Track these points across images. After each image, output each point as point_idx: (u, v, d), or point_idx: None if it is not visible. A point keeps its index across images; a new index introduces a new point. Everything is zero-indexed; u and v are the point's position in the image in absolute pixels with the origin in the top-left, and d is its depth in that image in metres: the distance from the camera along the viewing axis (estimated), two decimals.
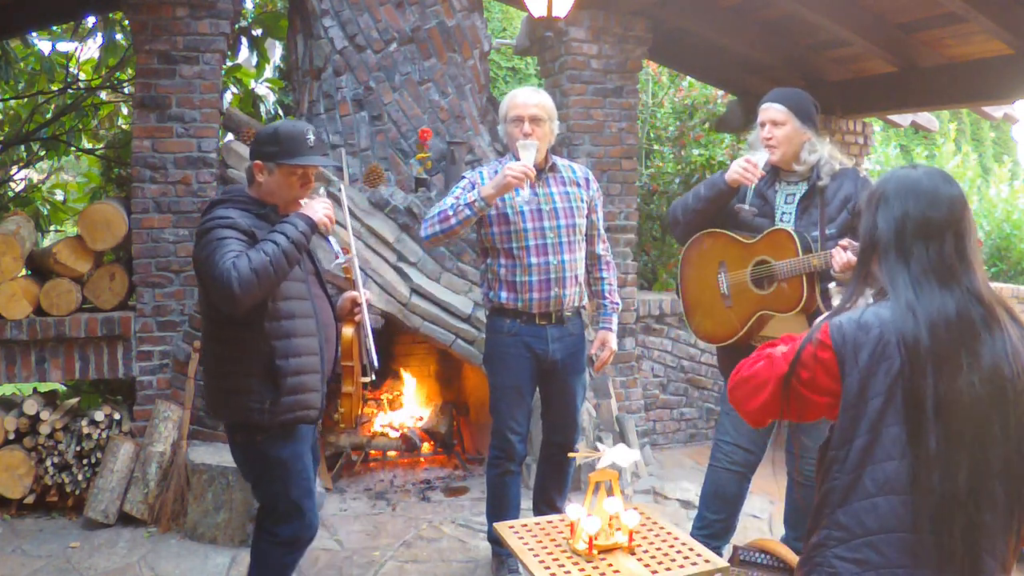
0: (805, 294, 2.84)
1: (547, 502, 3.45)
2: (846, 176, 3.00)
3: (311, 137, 2.52)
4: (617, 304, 3.40)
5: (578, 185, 3.26)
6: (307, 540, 2.64)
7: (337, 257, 2.75)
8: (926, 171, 1.62)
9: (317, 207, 2.53)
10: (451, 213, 3.04)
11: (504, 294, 3.17)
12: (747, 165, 2.93)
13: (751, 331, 3.02)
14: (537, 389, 3.37)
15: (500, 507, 3.29)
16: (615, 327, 3.39)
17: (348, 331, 2.69)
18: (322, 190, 2.66)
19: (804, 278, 2.85)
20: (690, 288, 3.23)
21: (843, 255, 2.72)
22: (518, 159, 3.04)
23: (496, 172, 3.16)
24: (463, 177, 3.24)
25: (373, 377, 2.73)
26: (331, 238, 2.75)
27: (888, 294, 1.58)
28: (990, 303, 1.53)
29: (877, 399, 1.50)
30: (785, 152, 2.98)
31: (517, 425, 3.27)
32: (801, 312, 2.86)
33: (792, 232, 2.90)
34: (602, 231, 3.37)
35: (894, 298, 1.55)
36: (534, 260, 3.12)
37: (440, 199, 4.30)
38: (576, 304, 3.26)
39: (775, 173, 3.08)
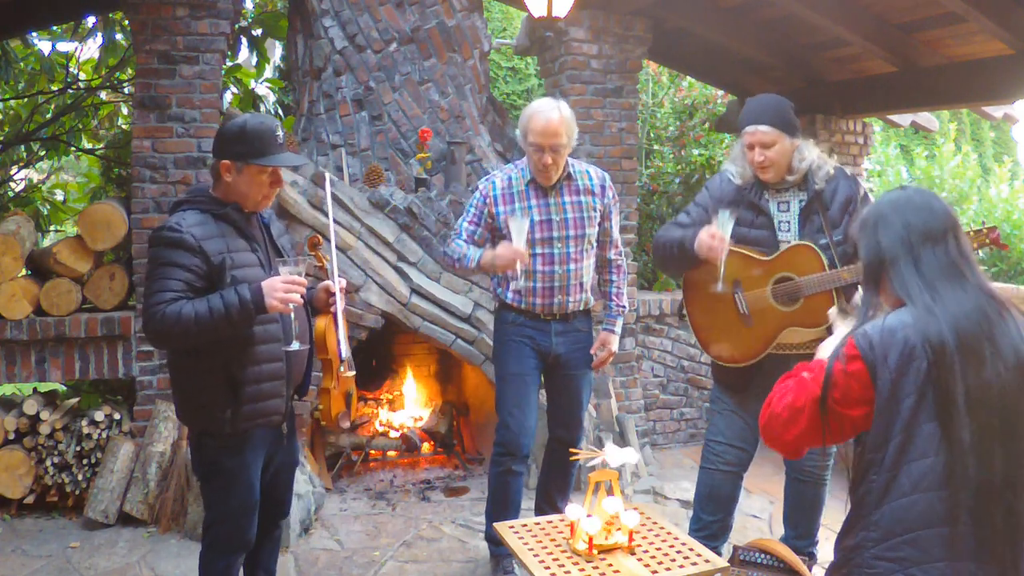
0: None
1: (548, 501, 3.45)
2: (839, 178, 2.98)
3: (280, 134, 2.41)
4: (623, 307, 3.41)
5: (592, 193, 3.22)
6: (236, 549, 2.55)
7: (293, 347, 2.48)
8: (914, 189, 1.74)
9: (278, 288, 2.30)
10: (457, 260, 3.15)
11: (510, 294, 3.24)
12: (712, 243, 2.83)
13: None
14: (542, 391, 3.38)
15: (501, 507, 3.28)
16: (619, 329, 3.39)
17: (321, 322, 2.58)
18: (291, 265, 2.39)
19: (834, 292, 2.82)
20: (702, 312, 3.13)
21: None
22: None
23: (509, 179, 3.21)
24: (476, 188, 3.26)
25: (353, 372, 2.64)
26: (291, 264, 2.46)
27: (905, 302, 1.61)
28: (996, 294, 1.59)
29: (909, 399, 1.52)
30: (779, 168, 2.94)
31: (520, 414, 3.23)
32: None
33: (815, 247, 2.87)
34: (616, 237, 3.35)
35: (911, 304, 1.59)
36: (539, 268, 3.16)
37: (440, 200, 4.32)
38: (581, 308, 3.28)
39: (761, 187, 3.02)
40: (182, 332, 2.25)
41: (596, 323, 3.54)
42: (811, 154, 2.96)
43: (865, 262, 1.73)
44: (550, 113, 3.04)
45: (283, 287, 2.30)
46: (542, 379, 3.36)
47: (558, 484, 3.44)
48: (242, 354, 2.40)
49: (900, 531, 1.52)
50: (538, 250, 3.14)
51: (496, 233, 3.20)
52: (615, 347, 3.38)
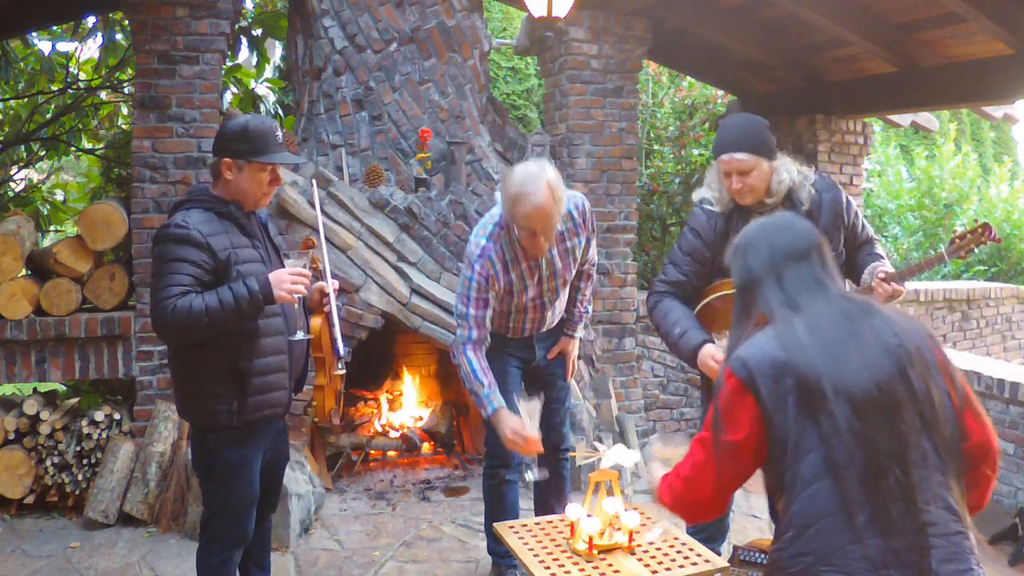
0: None
1: (546, 509, 3.39)
2: (821, 191, 2.86)
3: (279, 133, 2.51)
4: (586, 312, 3.32)
5: (577, 234, 3.04)
6: (234, 544, 2.60)
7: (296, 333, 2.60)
8: (779, 214, 1.90)
9: (285, 280, 2.39)
10: (470, 393, 2.93)
11: (495, 331, 3.12)
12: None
13: None
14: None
15: (499, 518, 3.18)
16: (579, 335, 3.34)
17: (316, 322, 2.67)
18: (294, 258, 2.54)
19: None
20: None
21: (886, 288, 2.69)
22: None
23: (501, 250, 2.90)
24: (472, 267, 2.90)
25: (344, 369, 2.72)
26: (294, 257, 2.57)
27: (770, 320, 1.71)
28: (858, 298, 1.73)
29: (790, 398, 1.59)
30: (758, 193, 2.80)
31: None
32: None
33: None
34: (591, 255, 3.21)
35: (774, 319, 1.70)
36: (531, 315, 3.12)
37: (440, 200, 4.31)
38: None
39: (746, 212, 2.85)
40: (193, 324, 2.30)
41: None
42: (789, 173, 2.82)
43: (737, 287, 1.84)
44: (538, 196, 2.69)
45: (290, 278, 2.40)
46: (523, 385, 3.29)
47: (554, 490, 3.37)
48: (249, 347, 2.46)
49: (809, 524, 1.56)
50: (530, 303, 3.05)
51: (500, 295, 3.03)
52: (575, 353, 3.35)
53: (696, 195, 3.02)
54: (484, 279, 2.89)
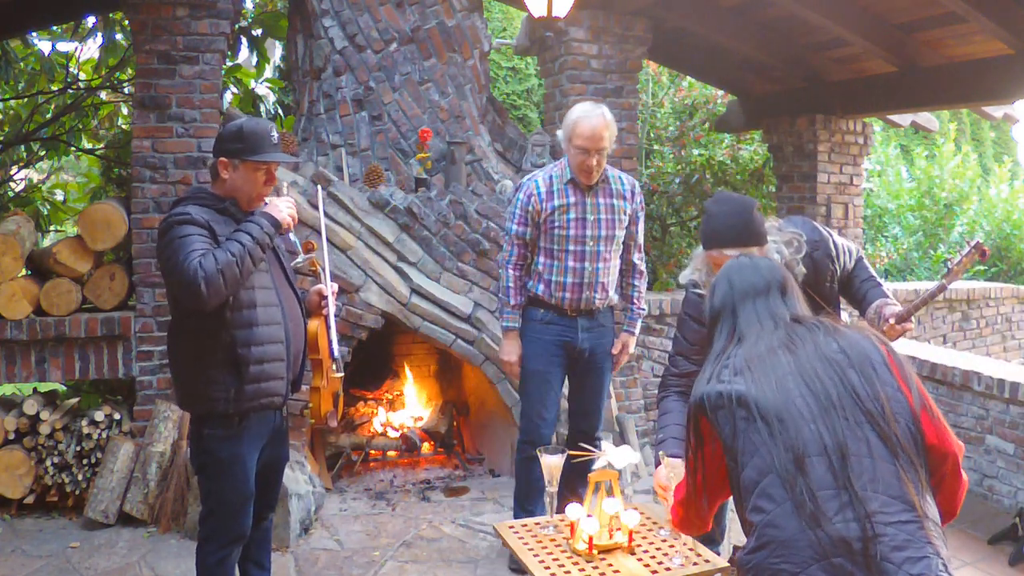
0: None
1: (571, 490, 3.40)
2: (811, 248, 2.74)
3: (275, 134, 2.59)
4: (643, 310, 3.62)
5: (624, 198, 3.43)
6: (231, 541, 2.63)
7: (296, 256, 2.77)
8: (744, 256, 2.02)
9: (281, 206, 2.58)
10: (499, 295, 3.56)
11: (540, 287, 3.42)
12: None
13: None
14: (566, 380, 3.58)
15: (527, 490, 3.47)
16: (637, 331, 3.62)
17: (313, 324, 2.72)
18: (285, 187, 2.73)
19: None
20: None
21: (898, 329, 2.71)
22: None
23: (550, 178, 3.38)
24: (519, 187, 3.42)
25: (341, 373, 2.76)
26: (291, 234, 2.72)
27: (721, 351, 1.83)
28: (810, 320, 1.81)
29: (734, 419, 1.69)
30: None
31: (545, 410, 3.44)
32: None
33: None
34: (640, 241, 3.54)
35: (725, 350, 1.81)
36: (571, 264, 3.35)
37: (440, 200, 4.31)
38: (605, 305, 3.48)
39: None
40: (226, 270, 2.35)
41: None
42: (780, 254, 2.64)
43: (706, 323, 1.97)
44: (595, 119, 3.21)
45: (283, 203, 2.60)
46: (565, 376, 3.55)
47: (581, 474, 3.36)
48: (247, 335, 2.50)
49: (759, 521, 1.61)
50: (571, 247, 3.33)
51: (543, 228, 3.37)
52: (632, 349, 3.61)
53: (683, 277, 2.87)
54: (527, 198, 3.36)
